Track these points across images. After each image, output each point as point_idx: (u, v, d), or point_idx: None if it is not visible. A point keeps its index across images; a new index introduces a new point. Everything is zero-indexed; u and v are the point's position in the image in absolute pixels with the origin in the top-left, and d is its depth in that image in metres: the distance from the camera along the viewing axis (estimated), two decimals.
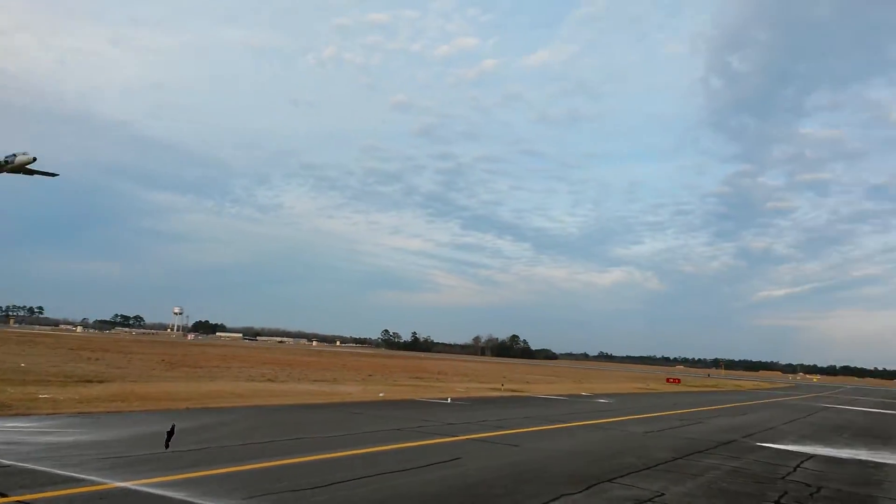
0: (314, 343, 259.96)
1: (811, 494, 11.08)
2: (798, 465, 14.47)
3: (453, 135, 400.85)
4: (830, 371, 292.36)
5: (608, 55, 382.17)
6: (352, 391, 28.33)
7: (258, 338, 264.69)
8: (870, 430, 26.88)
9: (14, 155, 29.50)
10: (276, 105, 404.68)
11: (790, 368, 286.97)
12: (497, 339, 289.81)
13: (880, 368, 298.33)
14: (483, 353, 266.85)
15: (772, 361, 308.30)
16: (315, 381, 34.92)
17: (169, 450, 10.90)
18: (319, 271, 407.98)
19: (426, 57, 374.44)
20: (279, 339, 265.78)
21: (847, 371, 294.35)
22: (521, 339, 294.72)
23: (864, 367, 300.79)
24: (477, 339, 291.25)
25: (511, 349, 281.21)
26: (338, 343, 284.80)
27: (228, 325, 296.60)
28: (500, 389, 37.46)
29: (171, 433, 11.37)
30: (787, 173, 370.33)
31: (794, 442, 19.48)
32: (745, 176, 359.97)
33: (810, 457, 16.22)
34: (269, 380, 33.43)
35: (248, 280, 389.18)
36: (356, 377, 41.47)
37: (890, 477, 14.04)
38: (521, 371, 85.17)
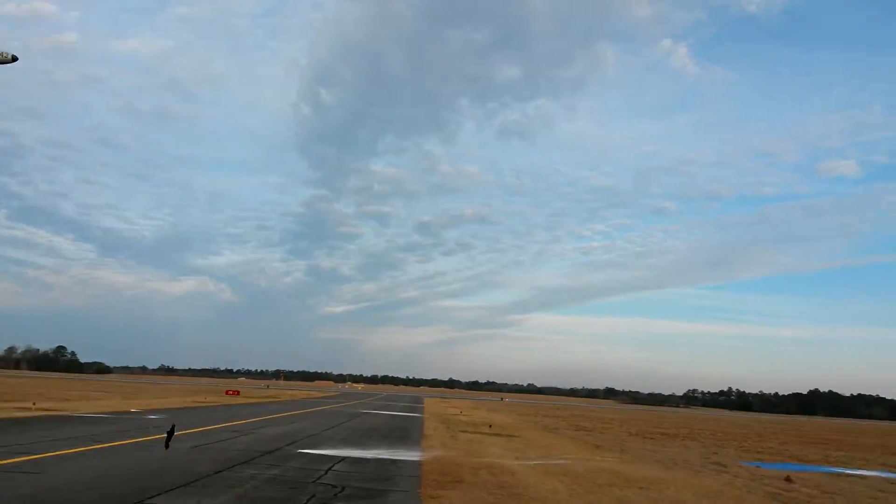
0: None
1: (335, 494, 12.42)
2: (330, 468, 16.06)
3: (11, 109, 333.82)
4: (373, 380, 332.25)
5: (205, 60, 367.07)
6: None
7: None
8: (393, 432, 31.41)
9: None
10: None
11: (341, 378, 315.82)
12: (38, 350, 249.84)
13: (412, 377, 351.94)
14: (18, 367, 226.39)
15: (326, 371, 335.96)
16: None
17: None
18: None
19: None
20: None
21: (386, 380, 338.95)
22: (70, 350, 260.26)
23: (399, 376, 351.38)
24: (11, 350, 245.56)
25: (56, 362, 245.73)
26: None
27: None
28: (31, 409, 32.32)
29: (170, 433, 11.20)
30: (357, 203, 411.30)
31: (332, 447, 21.54)
32: (322, 200, 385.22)
33: (342, 459, 18.17)
34: None
35: None
36: None
37: (402, 471, 16.64)
38: (64, 387, 75.09)
